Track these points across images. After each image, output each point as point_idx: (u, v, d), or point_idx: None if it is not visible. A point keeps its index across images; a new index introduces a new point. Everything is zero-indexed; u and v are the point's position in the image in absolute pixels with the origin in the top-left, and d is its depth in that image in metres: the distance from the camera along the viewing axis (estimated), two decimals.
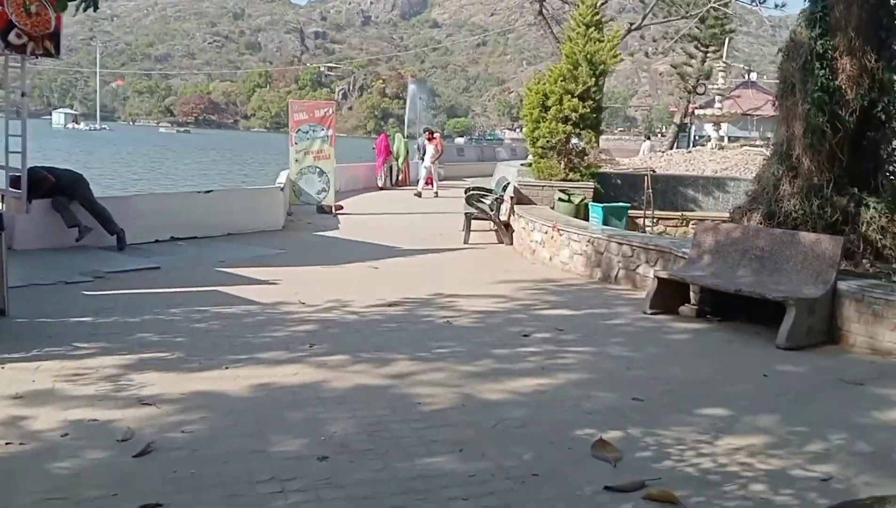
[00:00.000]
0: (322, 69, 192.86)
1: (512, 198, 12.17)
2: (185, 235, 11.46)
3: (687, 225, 12.65)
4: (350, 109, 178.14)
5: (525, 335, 6.44)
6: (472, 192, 12.43)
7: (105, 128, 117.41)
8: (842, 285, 6.42)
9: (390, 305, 7.55)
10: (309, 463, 3.74)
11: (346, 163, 24.09)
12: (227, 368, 5.28)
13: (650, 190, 13.01)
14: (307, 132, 15.41)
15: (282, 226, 13.36)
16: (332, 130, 15.57)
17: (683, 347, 6.43)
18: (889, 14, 7.57)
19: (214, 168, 44.56)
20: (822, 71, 7.26)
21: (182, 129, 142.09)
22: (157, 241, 11.06)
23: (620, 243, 8.72)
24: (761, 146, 20.24)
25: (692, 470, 3.81)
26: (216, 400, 4.65)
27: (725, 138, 20.57)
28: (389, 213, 16.18)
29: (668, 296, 7.11)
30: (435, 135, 21.97)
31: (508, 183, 12.15)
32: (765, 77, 44.42)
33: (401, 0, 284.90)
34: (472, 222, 12.07)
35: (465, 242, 11.96)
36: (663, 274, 7.16)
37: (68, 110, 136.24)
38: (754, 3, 23.86)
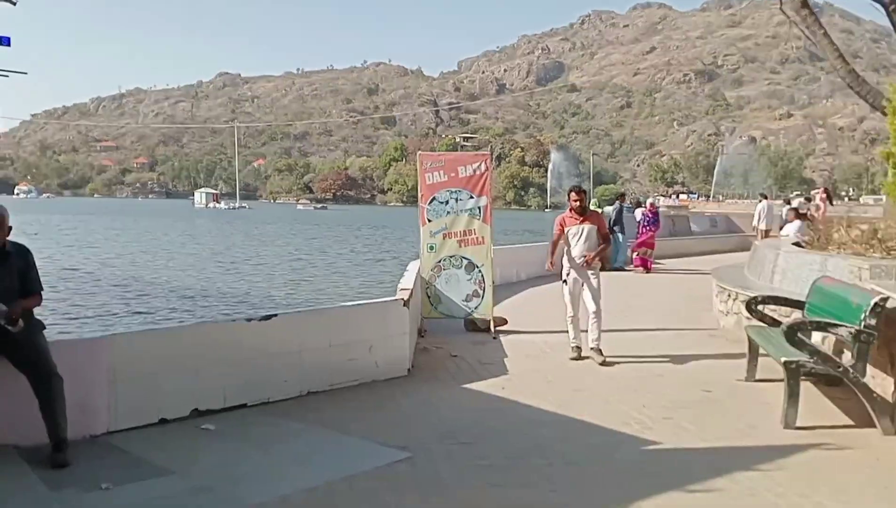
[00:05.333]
0: (458, 140, 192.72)
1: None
2: (223, 403, 6.02)
3: None
4: None
5: None
6: (792, 320, 6.28)
7: (244, 206, 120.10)
8: None
9: None
10: None
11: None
12: None
13: None
14: (446, 202, 9.83)
15: (408, 368, 7.69)
16: (488, 199, 9.90)
17: None
18: None
19: (339, 247, 40.38)
20: None
21: (319, 205, 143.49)
22: (163, 421, 5.67)
23: None
24: None
25: None
26: None
27: None
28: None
29: None
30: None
31: (887, 298, 5.79)
32: None
33: (535, 66, 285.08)
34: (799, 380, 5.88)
35: (789, 424, 5.79)
36: None
37: (209, 190, 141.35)
38: None
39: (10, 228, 4.99)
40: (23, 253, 5.07)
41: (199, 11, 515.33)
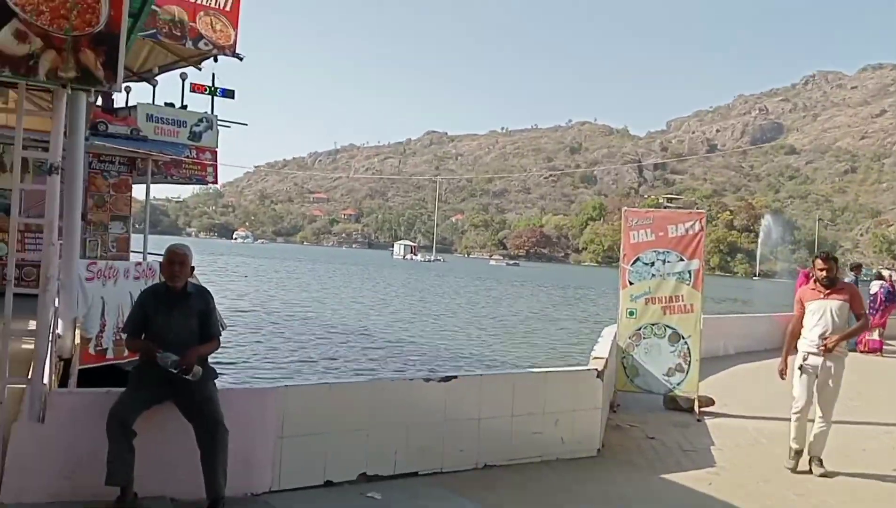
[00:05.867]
0: (661, 201, 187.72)
1: None
2: (393, 469, 5.61)
3: None
4: None
5: None
6: None
7: (439, 260, 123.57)
8: None
9: None
10: None
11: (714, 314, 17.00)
12: None
13: None
14: (652, 264, 9.00)
15: (597, 448, 6.92)
16: (700, 263, 8.97)
17: None
18: None
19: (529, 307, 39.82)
20: None
21: (511, 261, 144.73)
22: (328, 484, 5.32)
23: None
24: None
25: None
26: None
27: None
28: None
29: None
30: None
31: None
32: None
33: (752, 126, 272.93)
34: None
35: None
36: None
37: (408, 242, 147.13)
38: None
39: (193, 268, 4.94)
40: (203, 295, 4.99)
41: (413, 72, 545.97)
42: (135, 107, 14.64)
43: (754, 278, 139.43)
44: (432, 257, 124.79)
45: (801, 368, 6.73)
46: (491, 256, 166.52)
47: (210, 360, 4.96)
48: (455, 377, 6.10)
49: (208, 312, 4.92)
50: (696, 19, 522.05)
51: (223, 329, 11.76)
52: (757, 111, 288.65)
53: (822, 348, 6.57)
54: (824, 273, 6.73)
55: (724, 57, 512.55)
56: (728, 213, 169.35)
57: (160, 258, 11.67)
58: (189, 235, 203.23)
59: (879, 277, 17.64)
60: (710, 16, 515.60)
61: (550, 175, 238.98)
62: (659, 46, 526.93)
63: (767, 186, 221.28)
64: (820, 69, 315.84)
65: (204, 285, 5.65)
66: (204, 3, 13.72)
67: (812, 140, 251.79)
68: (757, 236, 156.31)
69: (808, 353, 6.68)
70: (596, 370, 7.03)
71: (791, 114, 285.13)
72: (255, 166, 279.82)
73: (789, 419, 6.82)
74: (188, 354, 4.63)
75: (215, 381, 4.91)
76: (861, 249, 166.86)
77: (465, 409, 6.02)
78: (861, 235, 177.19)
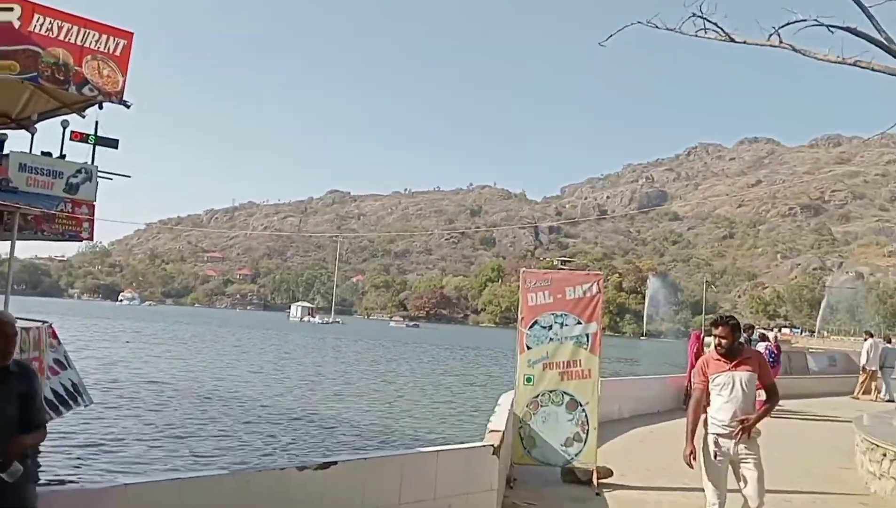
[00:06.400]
0: (556, 263, 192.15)
1: None
2: None
3: None
4: None
5: None
6: None
7: (338, 322, 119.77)
8: None
9: None
10: None
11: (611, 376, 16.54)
12: None
13: None
14: (549, 327, 8.56)
15: None
16: (598, 325, 8.59)
17: None
18: None
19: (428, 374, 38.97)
20: None
21: (412, 323, 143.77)
22: None
23: None
24: None
25: None
26: None
27: None
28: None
29: None
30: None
31: None
32: None
33: (639, 194, 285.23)
34: None
35: None
36: None
37: (305, 303, 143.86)
38: None
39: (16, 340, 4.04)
40: (26, 375, 4.07)
41: (316, 131, 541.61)
42: (7, 155, 13.55)
43: (642, 338, 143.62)
44: (331, 319, 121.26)
45: (715, 455, 5.68)
46: (391, 317, 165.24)
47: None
48: (335, 462, 5.32)
49: (31, 395, 4.00)
50: (587, 89, 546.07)
51: (86, 405, 10.54)
52: (644, 179, 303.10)
53: (738, 432, 5.60)
54: (724, 341, 5.66)
55: (615, 127, 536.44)
56: (617, 275, 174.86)
57: (30, 323, 10.40)
58: (72, 296, 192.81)
59: (763, 338, 17.92)
60: (600, 86, 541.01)
61: (451, 236, 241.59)
62: (555, 115, 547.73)
63: (653, 250, 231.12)
64: (702, 141, 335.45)
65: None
66: (92, 46, 12.87)
67: (693, 207, 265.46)
68: (644, 297, 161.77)
69: (719, 436, 5.67)
70: (492, 445, 6.42)
71: (675, 183, 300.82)
72: (147, 224, 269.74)
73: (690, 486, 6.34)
74: (13, 443, 3.71)
75: (35, 484, 3.98)
76: (739, 309, 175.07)
77: (346, 500, 5.25)
78: (739, 296, 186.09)
